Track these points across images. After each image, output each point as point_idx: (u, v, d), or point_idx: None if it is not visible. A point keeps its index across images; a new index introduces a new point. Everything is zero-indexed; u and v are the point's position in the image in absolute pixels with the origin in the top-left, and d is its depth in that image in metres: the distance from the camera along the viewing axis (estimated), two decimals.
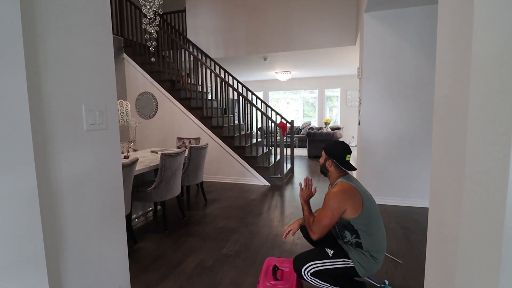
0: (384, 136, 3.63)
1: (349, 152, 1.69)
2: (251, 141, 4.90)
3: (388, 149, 3.64)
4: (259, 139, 5.42)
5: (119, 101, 3.09)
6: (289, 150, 5.86)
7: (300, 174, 5.56)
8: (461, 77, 0.70)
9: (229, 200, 3.96)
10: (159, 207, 3.62)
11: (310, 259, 1.62)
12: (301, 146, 8.94)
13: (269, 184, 4.75)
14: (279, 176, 4.72)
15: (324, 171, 1.78)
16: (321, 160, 1.77)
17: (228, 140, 4.87)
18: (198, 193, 4.29)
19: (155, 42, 3.42)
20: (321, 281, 1.61)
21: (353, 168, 1.71)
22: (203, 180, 4.97)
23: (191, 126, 4.99)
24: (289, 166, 5.54)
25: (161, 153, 2.76)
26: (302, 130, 9.14)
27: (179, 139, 4.42)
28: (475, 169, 0.65)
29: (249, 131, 5.33)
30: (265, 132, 5.93)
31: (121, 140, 3.19)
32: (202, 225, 3.09)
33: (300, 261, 1.64)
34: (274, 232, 2.93)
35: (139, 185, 3.04)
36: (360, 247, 1.62)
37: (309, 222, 1.64)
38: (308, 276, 1.61)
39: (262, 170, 4.77)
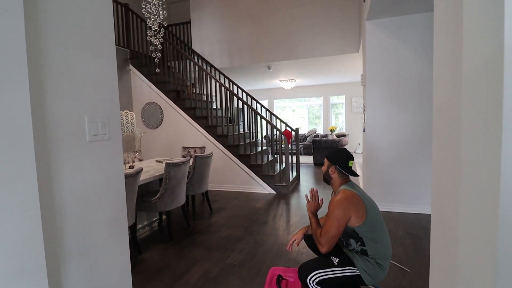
0: (389, 142, 3.59)
1: (352, 158, 1.70)
2: (256, 149, 4.90)
3: (393, 155, 3.60)
4: (264, 147, 5.42)
5: (124, 111, 3.14)
6: (294, 157, 5.83)
7: (306, 182, 5.52)
8: (455, 86, 0.69)
9: (235, 209, 3.94)
10: (164, 217, 3.62)
11: (315, 268, 1.59)
12: (306, 153, 8.90)
13: (274, 192, 4.72)
14: (284, 184, 4.69)
15: (327, 179, 1.77)
16: (324, 167, 1.77)
17: (233, 148, 4.88)
18: (203, 202, 4.29)
19: (159, 54, 3.48)
20: None
21: (356, 174, 1.71)
22: (208, 189, 4.97)
23: (196, 135, 5.02)
24: (294, 174, 5.51)
25: (166, 162, 2.78)
26: (308, 138, 9.11)
27: (184, 148, 4.45)
28: (470, 173, 0.66)
29: (254, 139, 5.33)
30: (270, 140, 5.93)
31: (126, 150, 3.23)
32: (207, 235, 3.07)
33: (305, 270, 1.61)
34: (280, 241, 2.89)
35: (144, 195, 3.06)
36: (365, 254, 1.59)
37: (317, 235, 1.62)
38: (313, 285, 1.58)
39: (268, 178, 4.75)
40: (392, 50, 3.48)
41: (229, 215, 3.69)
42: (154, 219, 3.49)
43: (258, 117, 4.91)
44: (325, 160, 1.76)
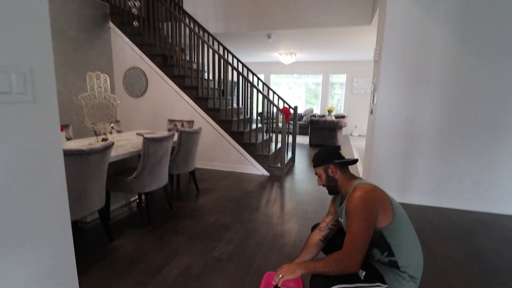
0: (401, 128, 3.22)
1: (339, 148, 1.43)
2: (250, 126, 4.47)
3: (403, 142, 3.24)
4: (259, 125, 5.00)
5: (95, 72, 2.63)
6: (290, 137, 5.45)
7: (301, 164, 5.18)
8: None
9: (224, 191, 3.58)
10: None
11: (335, 281, 1.25)
12: (302, 133, 8.53)
13: (268, 174, 4.37)
14: (279, 165, 4.33)
15: (333, 185, 1.45)
16: (321, 179, 1.47)
17: (225, 124, 4.44)
18: (189, 181, 3.91)
19: (138, 3, 2.92)
20: None
21: (355, 160, 1.48)
22: (196, 167, 4.59)
23: (184, 108, 4.54)
24: (290, 155, 5.15)
25: (144, 137, 2.34)
26: (304, 117, 8.71)
27: (170, 121, 3.99)
28: None
29: (248, 115, 4.90)
30: (266, 117, 5.50)
31: (99, 120, 2.76)
32: (191, 220, 2.71)
33: (322, 282, 1.26)
34: (273, 231, 2.56)
35: (119, 172, 2.64)
36: (395, 267, 1.26)
37: (330, 262, 1.22)
38: None
39: (261, 159, 4.37)
40: (414, 22, 3.01)
41: (217, 198, 3.33)
42: (133, 198, 3.10)
43: (254, 92, 4.44)
44: (316, 170, 1.48)
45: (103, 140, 2.74)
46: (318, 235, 1.57)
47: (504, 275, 2.00)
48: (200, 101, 4.45)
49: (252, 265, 2.04)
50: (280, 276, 1.28)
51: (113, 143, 2.08)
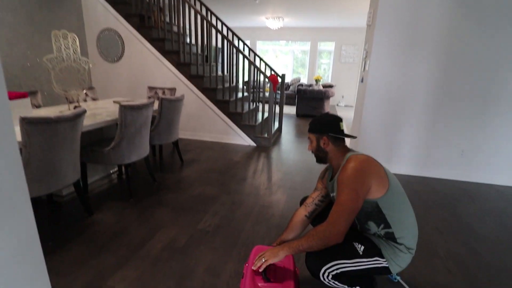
0: (391, 97, 3.13)
1: (340, 119, 1.33)
2: (236, 95, 4.28)
3: (396, 112, 3.17)
4: (245, 94, 4.80)
5: (62, 31, 2.34)
6: (277, 107, 5.31)
7: (288, 134, 5.09)
8: None
9: (209, 162, 3.47)
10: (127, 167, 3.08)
11: (333, 258, 1.19)
12: (289, 103, 8.38)
13: (254, 144, 4.27)
14: (266, 136, 4.22)
15: (322, 156, 1.36)
16: (312, 145, 1.37)
17: (210, 93, 4.22)
18: (173, 152, 3.75)
19: None
20: (341, 283, 1.21)
21: (352, 136, 1.36)
22: (180, 137, 4.41)
23: (165, 74, 4.26)
24: (276, 125, 5.03)
25: (120, 104, 2.14)
26: (291, 87, 8.51)
27: (151, 88, 3.73)
28: None
29: (234, 84, 4.67)
30: (253, 86, 5.29)
31: (70, 86, 2.51)
32: (175, 192, 2.61)
33: (318, 259, 1.20)
34: (261, 202, 2.51)
35: (95, 143, 2.45)
36: (392, 239, 1.22)
37: (313, 235, 1.15)
38: (328, 279, 1.19)
39: (248, 129, 4.24)
40: None
41: (202, 169, 3.22)
42: (113, 170, 2.94)
43: (240, 58, 4.19)
44: (310, 135, 1.36)
45: (76, 108, 2.51)
46: (303, 211, 1.50)
47: (488, 243, 2.04)
48: (182, 67, 4.17)
49: (239, 237, 1.98)
50: (264, 260, 1.20)
51: (84, 111, 1.88)
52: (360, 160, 1.19)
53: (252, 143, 4.27)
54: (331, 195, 1.40)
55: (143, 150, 2.49)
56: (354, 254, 1.20)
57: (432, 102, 3.06)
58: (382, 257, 1.21)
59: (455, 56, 2.90)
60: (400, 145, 3.25)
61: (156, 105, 2.93)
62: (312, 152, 1.38)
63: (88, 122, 2.15)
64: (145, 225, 2.08)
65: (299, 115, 6.80)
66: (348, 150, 1.33)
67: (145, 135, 2.46)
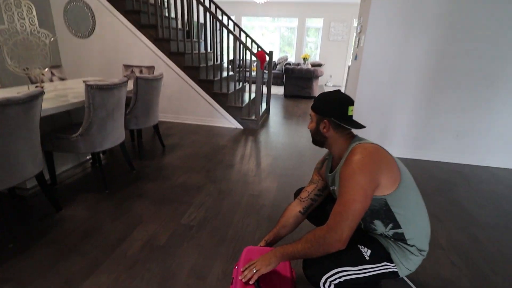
0: (386, 75, 2.95)
1: (351, 102, 1.09)
2: (221, 74, 3.99)
3: (392, 91, 3.00)
4: (231, 73, 4.50)
5: None
6: (264, 87, 5.05)
7: (276, 116, 4.88)
8: None
9: (193, 147, 3.23)
10: (102, 155, 2.81)
11: (335, 264, 1.02)
12: (276, 83, 8.10)
13: (241, 127, 4.04)
14: (253, 118, 4.00)
15: (320, 140, 1.16)
16: (311, 125, 1.16)
17: (192, 71, 3.91)
18: (154, 137, 3.48)
19: None
20: None
21: (361, 126, 1.09)
22: (161, 120, 4.13)
23: (142, 51, 3.89)
24: (264, 106, 4.80)
25: (86, 84, 1.85)
26: (278, 66, 8.20)
27: (126, 67, 3.39)
28: None
29: (218, 62, 4.36)
30: (238, 64, 4.97)
31: (27, 64, 2.17)
32: (156, 182, 2.38)
33: (318, 267, 1.03)
34: (250, 191, 2.32)
35: (60, 129, 2.16)
36: (402, 240, 1.06)
37: (311, 241, 0.98)
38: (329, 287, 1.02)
39: (234, 111, 4.00)
40: None
41: (186, 155, 2.99)
42: (85, 158, 2.66)
43: (225, 34, 3.86)
44: (312, 113, 1.14)
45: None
46: (298, 206, 1.33)
47: (488, 230, 1.96)
48: (161, 43, 3.81)
49: (227, 232, 1.81)
50: (255, 270, 1.03)
51: (42, 92, 1.59)
52: (369, 151, 1.00)
53: (239, 126, 4.04)
54: (331, 188, 1.22)
55: (117, 136, 2.23)
56: (360, 260, 1.03)
57: (429, 82, 2.91)
58: (391, 261, 1.05)
59: (456, 33, 2.72)
60: (394, 126, 3.11)
61: (130, 85, 2.63)
62: (310, 130, 1.18)
63: (50, 105, 1.86)
64: (121, 220, 1.86)
65: (287, 95, 6.57)
66: (353, 137, 1.13)
67: (119, 119, 2.19)
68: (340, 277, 1.00)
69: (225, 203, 2.12)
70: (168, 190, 2.26)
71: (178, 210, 2.01)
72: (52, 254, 1.54)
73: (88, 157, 2.68)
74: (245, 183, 2.45)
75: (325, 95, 1.11)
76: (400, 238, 1.06)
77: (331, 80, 8.90)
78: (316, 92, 6.51)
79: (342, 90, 7.58)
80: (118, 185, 2.29)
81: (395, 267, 1.05)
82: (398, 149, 3.18)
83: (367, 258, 1.04)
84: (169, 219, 1.89)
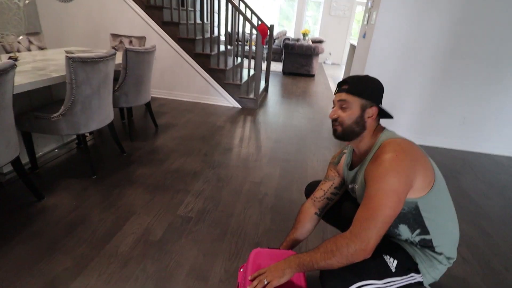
0: (396, 56, 2.74)
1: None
2: (218, 48, 3.69)
3: (400, 73, 2.80)
4: (229, 47, 4.19)
5: None
6: (263, 64, 4.77)
7: (275, 95, 4.65)
8: None
9: (189, 127, 3.02)
10: (88, 135, 2.58)
11: (358, 277, 0.88)
12: (274, 59, 7.76)
13: (239, 106, 3.82)
14: (252, 97, 3.77)
15: (355, 131, 0.95)
16: (343, 112, 0.94)
17: (187, 44, 3.60)
18: (145, 115, 3.24)
19: None
20: None
21: (391, 116, 0.96)
22: (153, 96, 3.86)
23: (131, 19, 3.54)
24: (263, 84, 4.54)
25: (68, 57, 1.59)
26: (276, 41, 7.81)
27: (115, 36, 3.07)
28: None
29: (215, 34, 4.04)
30: (237, 37, 4.64)
31: (2, 30, 1.88)
32: (149, 167, 2.20)
33: (339, 280, 0.88)
34: (251, 178, 2.17)
35: (39, 108, 1.92)
36: (429, 247, 0.94)
37: (332, 251, 0.81)
38: None
39: (232, 88, 3.75)
40: None
41: (181, 136, 2.78)
42: (71, 138, 2.43)
43: (223, 3, 3.52)
44: (350, 96, 0.92)
45: (12, 59, 1.91)
46: (312, 208, 1.19)
47: (497, 222, 1.87)
48: (153, 11, 3.46)
49: (228, 225, 1.66)
50: (266, 282, 0.87)
51: (13, 65, 1.34)
52: (402, 148, 0.85)
53: (237, 105, 3.82)
54: (350, 186, 1.06)
55: (105, 115, 2.00)
56: (386, 272, 0.90)
57: (439, 65, 2.73)
58: (418, 272, 0.93)
59: (470, 14, 2.50)
60: (400, 110, 2.95)
61: (119, 58, 2.35)
62: (338, 123, 0.95)
63: (25, 80, 1.61)
64: (111, 211, 1.69)
65: (285, 73, 6.29)
66: (383, 129, 0.97)
67: (106, 96, 1.95)
68: None
69: (224, 192, 1.96)
70: (162, 176, 2.08)
71: (174, 199, 1.84)
72: (33, 251, 1.37)
73: (72, 138, 2.45)
74: (245, 168, 2.29)
75: (369, 80, 0.95)
76: (427, 245, 0.93)
77: (330, 58, 8.59)
78: (316, 71, 6.24)
79: (342, 70, 7.33)
80: (107, 170, 2.09)
81: (421, 277, 0.94)
82: (402, 134, 3.03)
83: (393, 270, 0.90)
84: (164, 210, 1.73)
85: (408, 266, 0.92)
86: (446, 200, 0.93)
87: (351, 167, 1.07)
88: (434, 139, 3.01)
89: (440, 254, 0.93)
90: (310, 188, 1.29)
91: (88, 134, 2.52)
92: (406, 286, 0.94)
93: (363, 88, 0.93)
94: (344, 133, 0.95)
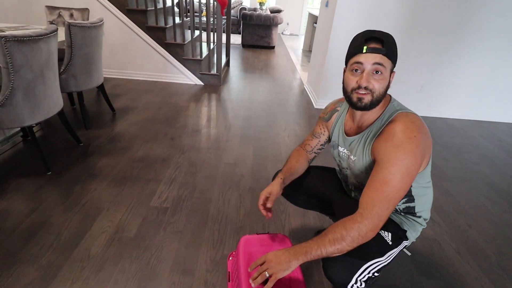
0: (360, 25, 2.74)
1: None
2: (174, 20, 3.39)
3: None
4: (185, 20, 3.87)
5: None
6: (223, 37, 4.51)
7: (236, 69, 4.49)
8: None
9: (150, 109, 2.81)
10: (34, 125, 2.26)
11: (365, 259, 0.87)
12: (232, 32, 7.41)
13: (201, 83, 3.63)
14: (215, 72, 3.59)
15: (381, 98, 0.84)
16: (386, 76, 0.81)
17: (137, 16, 3.25)
18: (100, 99, 2.93)
19: None
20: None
21: None
22: (105, 77, 3.50)
23: None
24: (224, 58, 4.34)
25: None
26: (232, 11, 7.43)
27: (51, 9, 2.64)
28: None
29: (168, 4, 3.69)
30: (186, 7, 4.29)
31: None
32: (111, 156, 2.01)
33: (346, 267, 0.86)
34: (225, 159, 2.10)
35: None
36: (412, 213, 0.99)
37: (342, 235, 0.78)
38: (360, 286, 0.89)
39: (192, 64, 3.52)
40: None
41: (142, 119, 2.58)
42: (13, 132, 2.12)
43: None
44: (385, 60, 0.80)
45: None
46: (304, 155, 1.16)
47: (456, 182, 2.06)
48: None
49: (208, 211, 1.60)
50: (268, 275, 0.80)
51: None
52: (418, 127, 0.80)
53: (199, 82, 3.62)
54: (341, 150, 1.02)
55: (52, 103, 1.75)
56: (385, 247, 0.92)
57: (404, 33, 2.79)
58: (406, 238, 0.98)
59: None
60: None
61: (61, 35, 2.04)
62: (365, 89, 0.80)
63: None
64: (75, 210, 1.52)
65: (245, 45, 6.07)
66: (390, 98, 0.92)
67: (53, 81, 1.69)
68: (369, 272, 0.88)
69: (199, 177, 1.88)
70: (128, 166, 1.92)
71: (145, 190, 1.72)
72: None
73: (15, 131, 2.13)
74: (217, 150, 2.21)
75: (391, 39, 0.82)
76: (410, 212, 0.99)
77: (288, 28, 8.46)
78: (276, 42, 6.11)
79: (302, 40, 7.26)
80: (63, 164, 1.87)
81: (408, 242, 1.00)
82: None
83: (390, 243, 0.93)
84: (136, 203, 1.61)
85: (399, 235, 0.96)
86: (429, 168, 0.96)
87: (346, 133, 1.00)
88: None
89: (420, 217, 0.99)
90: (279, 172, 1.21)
91: (34, 125, 2.21)
92: (398, 254, 0.99)
93: (396, 49, 0.82)
94: (372, 103, 0.83)
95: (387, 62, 0.79)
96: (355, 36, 0.85)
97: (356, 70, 0.82)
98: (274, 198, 1.03)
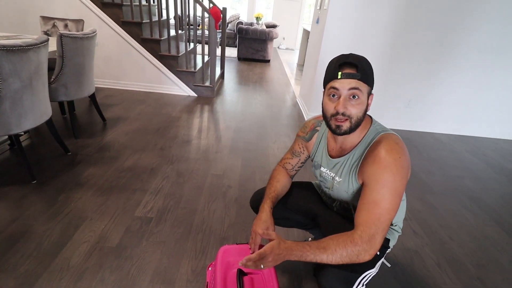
0: (354, 42, 2.82)
1: None
2: (169, 33, 3.46)
3: None
4: (180, 32, 3.95)
5: None
6: (218, 49, 4.61)
7: (231, 82, 4.55)
8: None
9: (141, 119, 2.82)
10: (22, 133, 2.26)
11: (358, 272, 0.88)
12: (227, 44, 7.56)
13: (195, 95, 3.67)
14: (208, 84, 3.64)
15: (360, 122, 0.85)
16: (363, 101, 0.82)
17: (133, 28, 3.31)
18: (91, 109, 2.95)
19: None
20: None
21: None
22: (98, 86, 3.53)
23: (67, 0, 3.13)
24: (218, 71, 4.41)
25: None
26: (229, 25, 7.59)
27: (46, 19, 2.69)
28: None
29: (163, 17, 3.77)
30: (187, 21, 4.39)
31: None
32: (99, 166, 2.01)
33: (341, 279, 0.85)
34: (212, 170, 2.11)
35: None
36: (390, 224, 1.00)
37: (341, 254, 0.77)
38: None
39: (186, 76, 3.57)
40: None
41: (133, 130, 2.59)
42: (2, 140, 2.12)
43: None
44: (361, 84, 0.80)
45: None
46: (287, 176, 1.15)
47: (439, 195, 2.09)
48: None
49: (192, 222, 1.60)
50: (262, 267, 0.78)
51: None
52: (401, 148, 0.81)
53: (192, 93, 3.66)
54: (324, 170, 1.02)
55: (40, 112, 1.76)
56: (375, 258, 0.91)
57: (390, 51, 2.87)
58: (389, 246, 1.03)
59: (414, 3, 2.67)
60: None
61: (52, 45, 2.07)
62: (342, 115, 0.81)
63: None
64: (58, 219, 1.51)
65: (240, 58, 6.18)
66: (370, 120, 0.93)
67: (41, 90, 1.71)
68: (362, 284, 0.89)
69: (186, 187, 1.88)
70: (115, 175, 1.92)
71: (131, 200, 1.71)
72: None
73: (3, 139, 2.14)
74: (206, 161, 2.22)
75: (366, 62, 0.82)
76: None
77: (284, 42, 8.63)
78: (271, 56, 6.23)
79: (296, 55, 7.40)
80: (50, 173, 1.87)
81: (389, 250, 1.05)
82: None
83: (379, 253, 0.94)
84: (120, 213, 1.60)
85: (384, 244, 0.99)
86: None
87: (330, 154, 1.00)
88: (382, 121, 3.21)
89: (395, 225, 1.04)
90: (258, 197, 1.17)
91: (22, 133, 2.21)
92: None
93: (371, 72, 0.82)
94: (351, 129, 0.83)
95: (363, 86, 0.80)
96: (330, 61, 0.86)
97: (333, 95, 0.83)
98: (273, 228, 1.01)
